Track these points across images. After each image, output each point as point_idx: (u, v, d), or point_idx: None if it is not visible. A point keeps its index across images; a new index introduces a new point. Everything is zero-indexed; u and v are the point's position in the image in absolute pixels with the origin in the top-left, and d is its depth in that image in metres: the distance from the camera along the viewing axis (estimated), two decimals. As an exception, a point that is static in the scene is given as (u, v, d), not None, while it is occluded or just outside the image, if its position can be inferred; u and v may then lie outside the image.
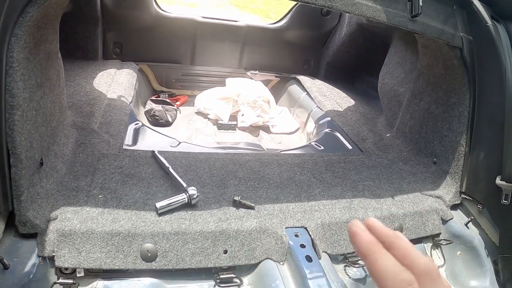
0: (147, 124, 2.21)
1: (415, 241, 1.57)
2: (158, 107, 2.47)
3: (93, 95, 2.03)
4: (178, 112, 2.63)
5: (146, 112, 2.46)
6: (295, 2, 2.53)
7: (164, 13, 2.75)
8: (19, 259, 1.09)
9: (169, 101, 2.66)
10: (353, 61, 3.14)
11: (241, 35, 2.97)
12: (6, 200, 1.08)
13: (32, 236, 1.12)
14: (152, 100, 2.59)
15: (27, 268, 1.08)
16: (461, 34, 1.60)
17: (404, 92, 2.18)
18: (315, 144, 2.08)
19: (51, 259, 1.10)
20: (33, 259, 1.10)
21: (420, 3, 1.42)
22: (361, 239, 0.39)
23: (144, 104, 2.60)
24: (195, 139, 2.20)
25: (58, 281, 1.09)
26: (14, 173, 1.08)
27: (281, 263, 1.22)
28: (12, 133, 1.05)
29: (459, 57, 1.63)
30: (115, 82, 2.29)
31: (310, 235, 1.28)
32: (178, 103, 2.80)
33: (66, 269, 1.10)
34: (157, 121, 2.42)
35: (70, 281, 1.09)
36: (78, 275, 1.11)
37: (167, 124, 2.45)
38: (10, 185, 1.08)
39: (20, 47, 1.05)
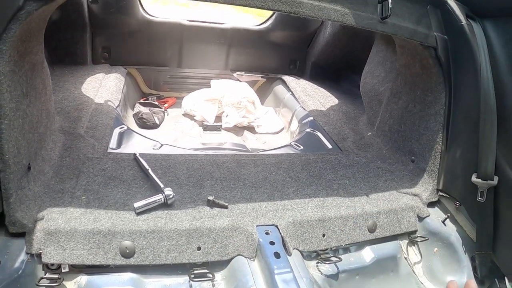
0: (134, 127, 2.29)
1: (390, 238, 1.61)
2: (145, 109, 2.55)
3: (81, 100, 2.10)
4: (166, 114, 2.71)
5: (134, 115, 2.54)
6: None
7: (150, 17, 2.82)
8: (9, 256, 1.15)
9: (157, 103, 2.75)
10: (338, 60, 3.20)
11: (227, 37, 3.04)
12: None
13: (20, 235, 1.19)
14: (140, 103, 2.67)
15: (17, 264, 1.15)
16: (435, 33, 1.62)
17: (384, 91, 2.22)
18: (294, 144, 2.15)
19: (39, 256, 1.17)
20: (22, 256, 1.17)
21: (390, 5, 1.43)
22: None
23: (133, 107, 2.67)
24: (181, 141, 2.28)
25: (45, 276, 1.16)
26: (3, 178, 1.14)
27: (252, 259, 1.29)
28: (0, 141, 1.12)
29: (434, 57, 1.66)
30: (103, 86, 2.36)
31: (280, 233, 1.34)
32: (166, 105, 2.88)
33: (52, 265, 1.18)
34: (145, 124, 2.50)
35: (56, 276, 1.16)
36: (63, 270, 1.18)
37: (155, 126, 2.52)
38: (0, 189, 1.15)
39: (4, 61, 1.10)
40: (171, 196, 1.33)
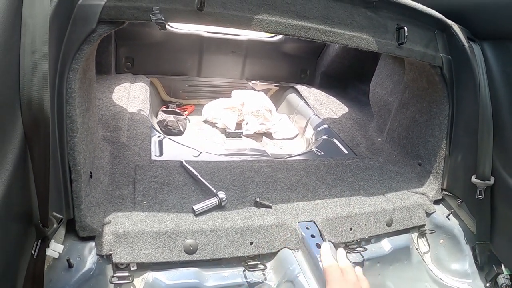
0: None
1: (403, 231, 1.77)
2: (170, 117, 2.69)
3: (115, 109, 2.21)
4: (187, 121, 2.85)
5: (159, 123, 2.67)
6: None
7: (172, 29, 2.94)
8: (81, 259, 1.22)
9: (178, 111, 2.88)
10: (345, 70, 3.35)
11: (243, 48, 3.17)
12: (68, 209, 1.24)
13: (90, 239, 1.27)
14: (163, 111, 2.80)
15: (88, 265, 1.23)
16: (441, 54, 1.76)
17: (393, 102, 2.37)
18: (315, 150, 2.32)
19: (108, 257, 1.26)
20: (93, 258, 1.25)
21: (406, 33, 1.58)
22: None
23: (156, 114, 2.81)
24: (207, 147, 2.43)
25: (115, 275, 1.25)
26: (75, 187, 1.24)
27: (296, 250, 1.44)
28: (73, 153, 1.21)
29: (440, 74, 1.80)
30: (132, 96, 2.48)
31: (318, 227, 1.50)
32: (186, 112, 3.02)
33: (122, 264, 1.26)
34: (170, 131, 2.63)
35: (126, 274, 1.26)
36: (132, 268, 1.27)
37: (179, 133, 2.66)
38: (72, 197, 1.24)
39: (76, 79, 1.18)
40: (224, 199, 1.47)
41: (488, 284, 1.71)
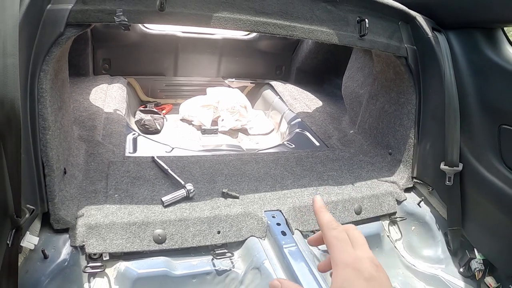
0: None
1: (374, 219, 1.82)
2: (147, 116, 2.74)
3: (92, 110, 2.27)
4: (165, 120, 2.91)
5: (137, 122, 2.73)
6: None
7: (148, 30, 2.99)
8: (55, 250, 1.29)
9: (156, 110, 2.93)
10: (320, 65, 3.42)
11: (218, 47, 3.23)
12: (42, 203, 1.30)
13: (64, 231, 1.33)
14: (140, 111, 2.85)
15: (63, 256, 1.29)
16: (406, 45, 1.80)
17: (363, 94, 2.45)
18: (287, 143, 2.40)
19: (82, 247, 1.32)
20: (67, 249, 1.30)
21: (367, 25, 1.64)
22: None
23: (134, 114, 2.86)
24: (182, 144, 2.49)
25: (88, 265, 1.29)
26: (48, 181, 1.30)
27: (263, 238, 1.51)
28: (45, 149, 1.27)
29: (405, 65, 1.84)
30: (109, 96, 2.53)
31: (284, 216, 1.57)
32: (164, 111, 3.08)
33: (95, 254, 1.32)
34: (147, 130, 2.69)
35: (99, 264, 1.31)
36: (104, 258, 1.33)
37: (157, 131, 2.72)
38: (46, 191, 1.30)
39: (47, 80, 1.24)
40: (192, 190, 1.54)
41: (461, 269, 1.74)
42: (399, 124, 2.02)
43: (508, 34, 1.62)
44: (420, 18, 1.80)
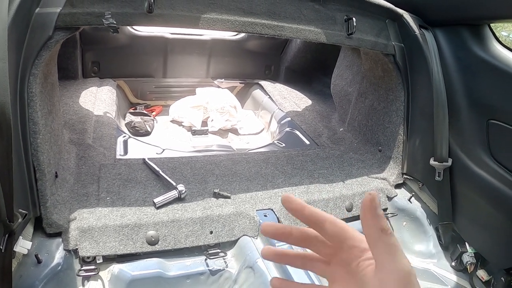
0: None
1: None
2: (137, 118, 2.73)
3: (82, 113, 2.26)
4: (155, 121, 2.91)
5: (127, 124, 2.71)
6: None
7: (136, 32, 2.98)
8: (49, 254, 1.29)
9: (146, 112, 2.92)
10: (309, 64, 3.44)
11: (207, 47, 3.23)
12: (34, 207, 1.30)
13: (57, 235, 1.33)
14: (130, 113, 2.84)
15: (56, 260, 1.29)
16: (393, 43, 1.82)
17: (352, 92, 2.46)
18: (277, 142, 2.42)
19: (75, 251, 1.32)
20: (60, 253, 1.30)
21: (355, 24, 1.66)
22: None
23: (124, 117, 2.85)
24: (173, 145, 2.49)
25: (82, 268, 1.29)
26: (40, 185, 1.30)
27: (255, 237, 1.52)
28: (36, 153, 1.27)
29: (393, 62, 1.86)
30: (98, 99, 2.52)
31: (276, 215, 1.59)
32: (154, 113, 3.07)
33: (88, 257, 1.32)
34: (138, 132, 2.68)
35: (92, 267, 1.31)
36: (97, 261, 1.33)
37: (147, 133, 2.71)
38: (37, 195, 1.30)
39: (36, 83, 1.24)
40: (183, 191, 1.56)
41: (453, 263, 1.76)
42: (388, 121, 2.04)
43: (494, 31, 1.64)
44: (407, 15, 1.82)
